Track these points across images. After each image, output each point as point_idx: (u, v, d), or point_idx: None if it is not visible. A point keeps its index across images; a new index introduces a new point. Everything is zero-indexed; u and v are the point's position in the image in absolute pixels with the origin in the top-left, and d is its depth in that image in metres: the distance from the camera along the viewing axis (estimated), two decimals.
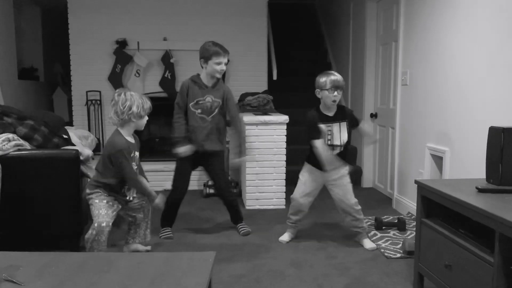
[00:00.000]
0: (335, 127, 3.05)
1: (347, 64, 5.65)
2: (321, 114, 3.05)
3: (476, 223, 1.92)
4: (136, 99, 2.61)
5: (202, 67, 3.26)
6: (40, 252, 1.70)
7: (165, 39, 5.34)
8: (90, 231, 2.58)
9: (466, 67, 3.05)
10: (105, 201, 2.66)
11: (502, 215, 1.71)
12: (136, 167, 2.74)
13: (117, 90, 2.69)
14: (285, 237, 3.28)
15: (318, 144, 2.97)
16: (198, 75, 3.29)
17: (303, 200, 3.16)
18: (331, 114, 3.05)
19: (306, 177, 3.18)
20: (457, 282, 2.06)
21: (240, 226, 3.49)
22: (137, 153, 2.73)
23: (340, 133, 3.06)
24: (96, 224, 2.58)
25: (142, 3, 5.30)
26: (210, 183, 4.47)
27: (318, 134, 2.98)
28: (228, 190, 3.50)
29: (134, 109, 2.59)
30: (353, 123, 3.15)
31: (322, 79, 3.02)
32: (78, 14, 5.25)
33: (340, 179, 3.10)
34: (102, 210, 2.63)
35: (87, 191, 2.70)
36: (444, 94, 3.34)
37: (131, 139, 2.71)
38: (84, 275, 1.45)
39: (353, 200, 3.10)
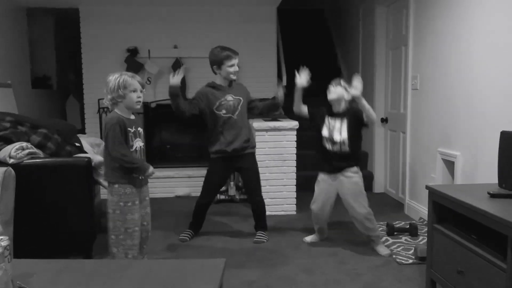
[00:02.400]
0: (337, 122, 3.13)
1: (357, 69, 5.64)
2: (330, 109, 3.22)
3: (488, 228, 1.91)
4: (115, 78, 2.40)
5: (216, 73, 3.33)
6: (53, 260, 1.73)
7: (175, 47, 5.39)
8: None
9: (477, 70, 3.03)
10: (137, 202, 2.49)
11: None
12: (142, 144, 2.56)
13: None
14: (308, 238, 3.39)
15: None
16: (213, 82, 3.36)
17: (318, 210, 3.22)
18: (338, 110, 3.18)
19: (319, 187, 3.24)
20: None
21: (258, 234, 3.44)
22: (140, 129, 2.54)
23: (340, 130, 3.09)
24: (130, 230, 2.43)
25: (153, 11, 5.36)
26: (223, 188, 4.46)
27: (314, 114, 3.30)
28: (257, 193, 3.45)
29: (111, 86, 2.39)
30: (360, 120, 3.08)
31: None
32: (90, 23, 5.33)
33: (351, 186, 3.10)
34: (136, 215, 2.48)
35: (113, 198, 2.47)
36: (455, 98, 3.32)
37: (128, 116, 2.50)
38: (97, 282, 1.47)
39: (364, 210, 3.07)
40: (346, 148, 3.07)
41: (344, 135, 3.07)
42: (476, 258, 1.97)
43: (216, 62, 3.27)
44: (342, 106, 3.15)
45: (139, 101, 2.48)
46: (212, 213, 4.15)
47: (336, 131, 3.10)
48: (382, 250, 3.11)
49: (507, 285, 1.74)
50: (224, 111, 3.29)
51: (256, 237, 3.42)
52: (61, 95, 6.81)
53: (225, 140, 3.31)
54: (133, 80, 2.44)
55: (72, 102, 6.81)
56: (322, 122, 3.18)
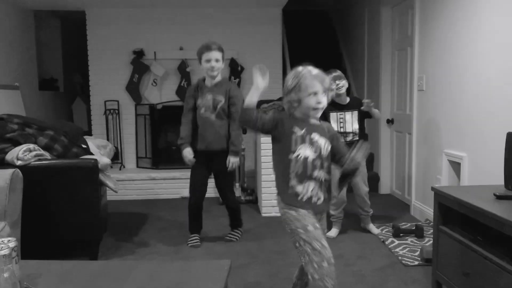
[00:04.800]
0: (347, 115, 3.35)
1: (362, 70, 5.63)
2: (334, 103, 3.30)
3: (495, 230, 1.90)
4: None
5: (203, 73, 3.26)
6: (60, 261, 1.74)
7: (181, 49, 5.41)
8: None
9: (483, 71, 3.02)
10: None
11: None
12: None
13: None
14: (333, 232, 3.50)
15: None
16: (200, 78, 3.31)
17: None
18: (344, 103, 3.33)
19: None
20: None
21: (231, 231, 3.51)
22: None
23: (352, 122, 3.35)
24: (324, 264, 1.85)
25: (159, 13, 5.39)
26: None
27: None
28: (229, 193, 3.41)
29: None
30: (364, 112, 3.38)
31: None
32: (96, 25, 5.37)
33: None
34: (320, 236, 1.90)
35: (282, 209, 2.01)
36: (461, 99, 3.30)
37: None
38: (103, 283, 1.48)
39: (366, 188, 3.49)
40: (356, 137, 3.35)
41: (356, 126, 3.36)
42: (482, 260, 1.96)
43: (198, 57, 3.16)
44: (347, 98, 3.36)
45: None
46: (217, 215, 4.16)
47: (348, 123, 3.33)
48: (373, 229, 3.54)
49: None
50: (203, 110, 3.19)
51: (229, 235, 3.48)
52: (68, 97, 6.86)
53: (202, 139, 3.22)
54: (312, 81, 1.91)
55: (78, 104, 6.86)
56: (327, 118, 3.29)
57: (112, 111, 5.41)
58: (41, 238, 2.93)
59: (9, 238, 1.37)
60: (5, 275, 1.26)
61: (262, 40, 5.50)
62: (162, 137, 5.68)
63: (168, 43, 5.41)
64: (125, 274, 1.55)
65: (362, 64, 5.66)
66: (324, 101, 1.92)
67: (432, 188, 2.40)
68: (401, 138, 4.65)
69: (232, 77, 5.23)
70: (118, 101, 5.42)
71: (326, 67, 7.22)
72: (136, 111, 5.46)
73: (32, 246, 2.82)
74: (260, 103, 4.98)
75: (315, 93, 1.89)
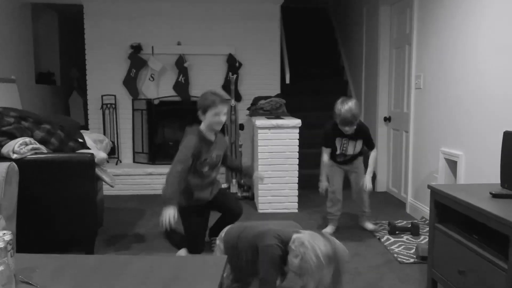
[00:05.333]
0: (351, 142, 3.38)
1: (360, 67, 5.63)
2: (339, 130, 3.30)
3: (490, 228, 1.90)
4: None
5: (201, 119, 2.93)
6: (56, 255, 1.73)
7: (179, 44, 5.40)
8: None
9: (481, 70, 3.02)
10: None
11: None
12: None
13: None
14: (328, 229, 3.52)
15: (325, 152, 3.46)
16: (200, 129, 2.94)
17: (338, 186, 3.49)
18: (349, 132, 3.29)
19: (331, 169, 3.52)
20: None
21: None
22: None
23: (354, 147, 3.41)
24: None
25: (157, 8, 5.36)
26: (225, 185, 4.46)
27: (327, 143, 3.43)
28: (238, 202, 3.33)
29: None
30: (367, 144, 3.45)
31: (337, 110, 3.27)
32: (93, 19, 5.34)
33: (359, 166, 3.52)
34: None
35: None
36: (458, 97, 3.31)
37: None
38: (99, 278, 1.47)
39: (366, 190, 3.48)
40: (356, 154, 3.47)
41: (358, 149, 3.44)
42: (477, 258, 1.97)
43: (202, 107, 2.87)
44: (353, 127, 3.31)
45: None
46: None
47: (350, 147, 3.40)
48: (369, 225, 3.56)
49: (508, 286, 1.74)
50: (206, 168, 2.94)
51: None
52: (64, 91, 6.83)
53: (205, 191, 3.01)
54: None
55: (75, 98, 6.83)
56: (333, 143, 3.40)
57: (109, 105, 5.40)
58: (36, 232, 2.92)
59: (4, 232, 1.36)
60: (0, 268, 1.26)
61: (260, 36, 5.49)
62: (159, 133, 5.67)
63: (166, 38, 5.39)
64: (121, 269, 1.55)
65: (360, 61, 5.66)
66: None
67: (429, 186, 2.40)
68: (398, 136, 4.65)
69: (230, 73, 5.22)
70: (115, 96, 5.40)
71: (323, 64, 7.20)
72: (133, 106, 5.45)
73: (27, 240, 2.82)
74: (257, 99, 4.98)
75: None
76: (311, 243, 1.92)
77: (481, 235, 2.07)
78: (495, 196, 2.08)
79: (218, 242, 2.35)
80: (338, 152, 3.40)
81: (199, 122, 2.99)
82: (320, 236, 2.00)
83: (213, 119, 2.87)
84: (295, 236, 2.00)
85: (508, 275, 1.74)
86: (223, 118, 2.90)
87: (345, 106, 3.17)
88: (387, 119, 4.90)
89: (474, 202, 1.99)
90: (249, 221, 2.81)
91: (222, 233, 2.36)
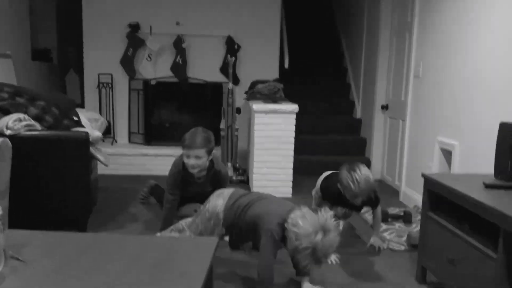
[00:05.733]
0: (355, 212, 2.98)
1: (360, 54, 5.60)
2: (343, 200, 2.71)
3: (482, 218, 1.91)
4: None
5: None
6: (47, 232, 1.73)
7: (177, 24, 5.32)
8: None
9: (479, 61, 3.00)
10: None
11: (507, 212, 1.70)
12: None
13: None
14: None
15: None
16: (182, 165, 2.82)
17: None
18: (357, 203, 2.72)
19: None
20: (460, 277, 2.05)
21: None
22: None
23: (358, 214, 3.12)
24: None
25: None
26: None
27: (321, 205, 2.88)
28: None
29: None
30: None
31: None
32: None
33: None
34: None
35: None
36: (456, 88, 3.30)
37: None
38: (90, 256, 1.47)
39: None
40: None
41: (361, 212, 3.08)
42: (468, 248, 1.98)
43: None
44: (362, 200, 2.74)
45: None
46: None
47: (353, 214, 3.01)
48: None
49: (497, 275, 1.76)
50: (190, 195, 2.93)
51: None
52: (61, 68, 6.76)
53: (181, 213, 2.98)
54: None
55: (72, 76, 6.76)
56: (331, 207, 2.80)
57: (105, 84, 5.35)
58: (29, 210, 2.92)
59: None
60: None
61: (260, 19, 5.42)
62: (155, 114, 5.64)
63: (165, 17, 5.31)
64: (112, 249, 1.55)
65: (360, 48, 5.62)
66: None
67: (422, 175, 2.41)
68: (395, 124, 4.65)
69: (228, 56, 5.17)
70: (111, 75, 5.35)
71: (323, 49, 7.14)
72: (129, 86, 5.40)
73: (20, 217, 2.81)
74: (255, 83, 4.95)
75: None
76: (304, 220, 2.02)
77: (473, 225, 2.08)
78: (488, 186, 2.09)
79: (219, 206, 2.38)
80: (338, 215, 2.89)
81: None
82: (311, 212, 2.09)
83: (186, 160, 2.74)
84: (291, 215, 2.08)
85: (497, 265, 1.76)
86: (192, 162, 2.71)
87: (361, 179, 2.51)
88: (384, 107, 4.88)
89: (467, 192, 2.00)
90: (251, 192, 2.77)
91: (221, 208, 2.36)
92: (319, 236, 1.95)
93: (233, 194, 2.40)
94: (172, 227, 2.75)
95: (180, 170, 2.81)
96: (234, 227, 2.32)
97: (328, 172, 3.07)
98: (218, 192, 2.49)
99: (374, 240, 2.86)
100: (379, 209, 2.88)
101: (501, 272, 1.74)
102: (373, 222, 2.96)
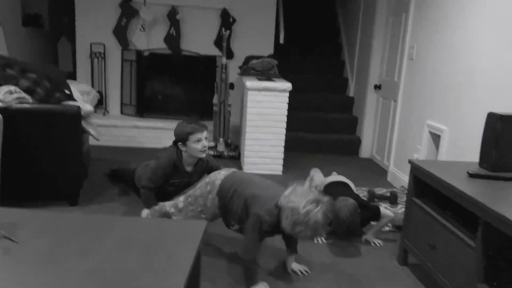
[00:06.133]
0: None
1: (355, 31, 5.56)
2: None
3: (464, 207, 1.97)
4: None
5: (182, 151, 2.83)
6: (39, 210, 1.76)
7: None
8: None
9: (474, 47, 3.01)
10: None
11: (486, 203, 1.76)
12: None
13: None
14: None
15: None
16: (173, 158, 2.83)
17: None
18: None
19: None
20: (439, 262, 2.13)
21: None
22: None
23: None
24: None
25: None
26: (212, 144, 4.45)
27: None
28: None
29: None
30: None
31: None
32: None
33: None
34: None
35: None
36: (448, 73, 3.31)
37: None
38: (81, 237, 1.51)
39: None
40: None
41: None
42: (448, 234, 2.05)
43: (181, 139, 2.80)
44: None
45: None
46: None
47: None
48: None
49: (475, 263, 1.83)
50: (172, 187, 2.94)
51: None
52: (53, 35, 6.64)
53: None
54: None
55: (64, 43, 6.65)
56: None
57: (98, 54, 5.29)
58: (20, 182, 2.94)
59: None
60: None
61: None
62: (148, 85, 5.60)
63: None
64: (102, 230, 1.59)
65: (356, 26, 5.57)
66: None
67: (409, 161, 2.45)
68: (387, 104, 4.67)
69: (223, 29, 5.11)
70: (104, 45, 5.27)
71: (320, 26, 7.04)
72: (122, 56, 5.34)
73: (11, 190, 2.84)
74: (249, 58, 4.92)
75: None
76: (297, 196, 2.07)
77: (456, 213, 2.14)
78: (471, 175, 2.14)
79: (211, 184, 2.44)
80: None
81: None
82: (300, 187, 2.14)
83: (196, 145, 2.78)
84: (284, 193, 2.13)
85: (476, 253, 1.83)
86: (205, 143, 2.81)
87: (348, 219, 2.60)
88: (377, 87, 4.90)
89: (450, 181, 2.05)
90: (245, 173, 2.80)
91: (221, 177, 2.43)
92: (314, 206, 2.01)
93: (235, 172, 2.48)
94: (157, 207, 2.76)
95: (174, 163, 2.84)
96: (226, 205, 2.35)
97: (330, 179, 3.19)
98: (220, 170, 2.58)
99: (368, 237, 2.88)
100: (384, 219, 2.84)
101: (479, 260, 1.81)
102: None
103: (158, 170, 2.84)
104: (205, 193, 2.44)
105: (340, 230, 2.66)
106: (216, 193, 2.39)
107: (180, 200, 2.59)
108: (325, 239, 2.82)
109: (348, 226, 2.60)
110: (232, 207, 2.32)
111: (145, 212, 2.79)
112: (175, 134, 2.84)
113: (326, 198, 2.09)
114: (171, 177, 2.87)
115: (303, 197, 2.05)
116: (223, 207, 2.39)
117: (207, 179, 2.51)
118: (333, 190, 2.98)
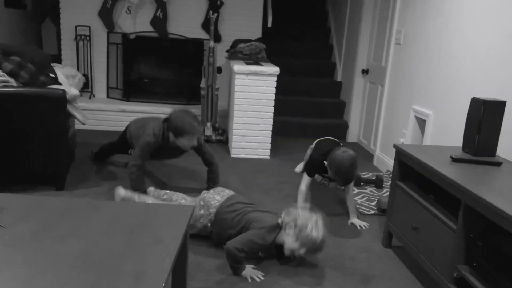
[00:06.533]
0: (332, 183, 3.06)
1: (344, 16, 5.54)
2: (324, 170, 2.83)
3: (447, 191, 2.01)
4: None
5: (169, 138, 2.94)
6: (24, 195, 1.76)
7: None
8: None
9: (460, 33, 3.03)
10: None
11: (467, 186, 1.80)
12: None
13: None
14: (298, 168, 3.84)
15: (306, 181, 2.91)
16: (167, 139, 2.95)
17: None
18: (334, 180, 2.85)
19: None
20: (422, 244, 2.18)
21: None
22: None
23: (335, 187, 3.33)
24: None
25: None
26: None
27: (311, 173, 2.92)
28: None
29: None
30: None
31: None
32: None
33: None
34: None
35: None
36: (434, 57, 3.34)
37: None
38: (67, 221, 1.51)
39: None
40: None
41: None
42: (431, 217, 2.10)
43: (178, 130, 2.88)
44: None
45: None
46: (187, 154, 4.20)
47: (331, 186, 3.18)
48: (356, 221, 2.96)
49: (456, 245, 1.88)
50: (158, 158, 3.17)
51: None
52: (36, 17, 6.50)
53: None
54: None
55: (48, 25, 6.52)
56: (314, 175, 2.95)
57: (83, 37, 5.20)
58: (6, 167, 2.92)
59: None
60: None
61: None
62: (134, 69, 5.55)
63: None
64: (89, 213, 1.59)
65: (344, 10, 5.56)
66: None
67: (394, 146, 2.49)
68: (374, 89, 4.70)
69: (211, 12, 5.06)
70: (89, 27, 5.19)
71: (308, 11, 6.98)
72: (108, 39, 5.27)
73: None
74: (237, 42, 4.89)
75: None
76: (291, 215, 2.29)
77: (439, 195, 2.19)
78: (454, 160, 2.18)
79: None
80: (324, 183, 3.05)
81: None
82: (293, 209, 2.35)
83: (187, 143, 2.95)
84: (279, 220, 2.34)
85: (457, 235, 1.87)
86: (194, 143, 2.98)
87: (347, 163, 2.65)
88: (364, 71, 4.91)
89: (434, 165, 2.09)
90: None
91: (223, 196, 2.52)
92: (314, 232, 2.23)
93: (233, 197, 2.54)
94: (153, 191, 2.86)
95: (160, 141, 2.95)
96: (221, 225, 2.42)
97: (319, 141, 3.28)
98: (219, 189, 2.62)
99: (354, 221, 2.91)
100: (351, 186, 2.94)
101: (460, 242, 1.86)
102: (347, 199, 2.96)
103: (145, 146, 2.94)
104: (197, 205, 2.49)
105: (341, 180, 2.73)
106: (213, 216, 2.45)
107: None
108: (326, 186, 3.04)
109: (349, 175, 2.70)
110: (229, 224, 2.39)
111: (120, 192, 2.70)
112: (173, 122, 2.89)
113: (320, 220, 2.29)
114: (160, 152, 3.04)
115: (306, 221, 2.26)
116: (216, 228, 2.46)
117: (204, 195, 2.54)
118: (328, 144, 3.07)
